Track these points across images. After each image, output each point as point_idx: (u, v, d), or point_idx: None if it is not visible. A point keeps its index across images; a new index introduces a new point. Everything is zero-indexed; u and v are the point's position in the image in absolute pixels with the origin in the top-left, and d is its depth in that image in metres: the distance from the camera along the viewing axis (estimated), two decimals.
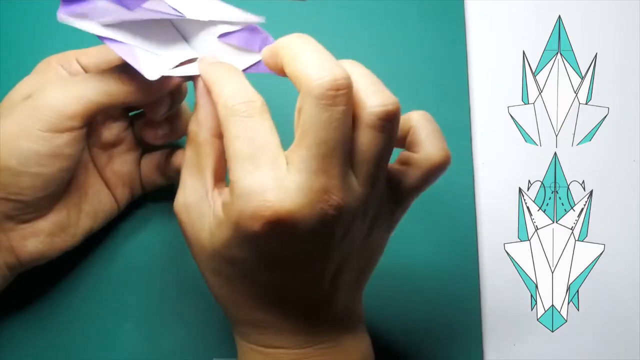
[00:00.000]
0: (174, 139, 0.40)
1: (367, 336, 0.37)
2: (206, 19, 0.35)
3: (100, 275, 0.43)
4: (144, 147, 0.42)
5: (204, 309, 0.43)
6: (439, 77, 0.47)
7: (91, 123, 0.36)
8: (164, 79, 0.35)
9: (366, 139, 0.31)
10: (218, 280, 0.34)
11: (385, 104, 0.31)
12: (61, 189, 0.37)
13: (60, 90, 0.34)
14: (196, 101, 0.35)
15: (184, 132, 0.39)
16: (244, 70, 0.35)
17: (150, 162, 0.41)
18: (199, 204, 0.33)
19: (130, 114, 0.41)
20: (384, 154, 0.32)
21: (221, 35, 0.35)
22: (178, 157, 0.41)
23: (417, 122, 0.35)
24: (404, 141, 0.35)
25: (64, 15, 0.33)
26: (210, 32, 0.36)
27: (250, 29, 0.36)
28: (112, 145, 0.40)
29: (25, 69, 0.38)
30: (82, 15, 0.33)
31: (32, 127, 0.34)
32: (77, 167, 0.38)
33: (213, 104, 0.33)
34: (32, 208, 0.36)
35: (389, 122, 0.31)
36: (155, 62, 0.35)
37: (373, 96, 0.31)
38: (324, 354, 0.34)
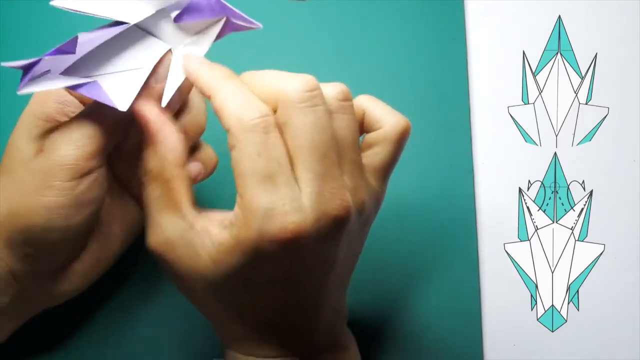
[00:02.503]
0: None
1: (350, 333, 0.37)
2: (153, 11, 0.33)
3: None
4: None
5: None
6: (439, 77, 0.47)
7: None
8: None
9: (338, 125, 0.31)
10: (218, 305, 0.33)
11: (337, 87, 0.32)
12: (90, 231, 0.36)
13: (71, 134, 0.33)
14: (148, 137, 0.33)
15: (201, 131, 0.37)
16: (215, 40, 0.34)
17: None
18: (185, 238, 0.32)
19: None
20: (355, 136, 0.32)
21: (177, 19, 0.33)
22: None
23: (368, 104, 0.35)
24: (361, 127, 0.35)
25: (23, 89, 0.31)
26: (166, 21, 0.34)
27: None
28: (133, 155, 0.38)
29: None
30: (39, 79, 0.31)
31: (52, 180, 0.32)
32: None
33: (174, 134, 0.32)
34: (65, 257, 0.36)
35: (348, 100, 0.32)
36: (124, 87, 0.33)
37: (325, 88, 0.32)
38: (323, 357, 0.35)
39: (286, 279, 0.32)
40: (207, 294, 0.33)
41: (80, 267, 0.37)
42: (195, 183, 0.37)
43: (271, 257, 0.30)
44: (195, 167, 0.37)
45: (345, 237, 0.32)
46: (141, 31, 0.34)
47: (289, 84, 0.30)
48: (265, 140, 0.30)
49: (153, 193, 0.33)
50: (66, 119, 0.34)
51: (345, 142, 0.32)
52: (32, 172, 0.33)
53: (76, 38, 0.31)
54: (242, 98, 0.31)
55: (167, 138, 0.32)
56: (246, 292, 0.32)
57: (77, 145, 0.33)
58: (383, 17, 0.47)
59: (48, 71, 0.31)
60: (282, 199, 0.29)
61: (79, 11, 0.31)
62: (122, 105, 0.32)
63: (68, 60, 0.32)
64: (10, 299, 0.36)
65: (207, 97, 0.32)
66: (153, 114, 0.33)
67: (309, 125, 0.30)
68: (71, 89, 0.32)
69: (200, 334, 0.43)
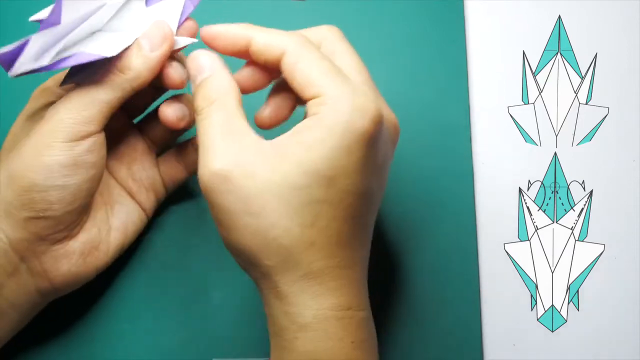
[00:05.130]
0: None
1: None
2: None
3: (100, 275, 0.43)
4: (158, 150, 0.42)
5: (204, 309, 0.43)
6: (439, 77, 0.47)
7: (106, 130, 0.37)
8: (157, 53, 0.36)
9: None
10: (303, 218, 0.31)
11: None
12: (87, 202, 0.37)
13: (71, 101, 0.35)
14: (204, 83, 0.34)
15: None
16: (181, 20, 0.36)
17: (168, 160, 0.42)
18: (256, 155, 0.32)
19: (135, 121, 0.42)
20: None
21: (148, 2, 0.36)
22: None
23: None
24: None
25: (13, 73, 0.33)
26: (135, 7, 0.36)
27: None
28: (127, 154, 0.41)
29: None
30: (28, 62, 0.33)
31: (53, 140, 0.34)
32: (100, 184, 0.38)
33: (227, 71, 0.35)
34: (63, 225, 0.36)
35: None
36: (110, 43, 0.35)
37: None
38: (371, 318, 0.34)
39: (371, 170, 0.33)
40: (289, 205, 0.31)
41: (78, 246, 0.38)
42: (180, 128, 0.38)
43: (364, 134, 0.31)
44: (180, 107, 0.38)
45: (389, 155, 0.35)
46: (106, 33, 0.36)
47: (327, 28, 0.36)
48: (316, 50, 0.34)
49: (215, 117, 0.33)
50: (54, 98, 0.37)
51: None
52: (32, 137, 0.35)
53: (59, 6, 0.33)
54: (278, 31, 0.35)
55: (225, 73, 0.35)
56: (331, 191, 0.31)
57: (76, 109, 0.35)
58: (383, 17, 0.47)
59: (31, 58, 0.33)
60: (361, 89, 0.33)
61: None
62: (110, 52, 0.34)
63: (54, 33, 0.34)
64: (8, 276, 0.36)
65: (242, 46, 0.35)
66: (203, 54, 0.35)
67: (352, 50, 0.36)
68: (62, 63, 0.34)
69: (200, 334, 0.43)
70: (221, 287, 0.43)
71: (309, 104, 0.32)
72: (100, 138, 0.36)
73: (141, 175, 0.41)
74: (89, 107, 0.35)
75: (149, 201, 0.42)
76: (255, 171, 0.31)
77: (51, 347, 0.42)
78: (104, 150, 0.36)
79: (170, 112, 0.38)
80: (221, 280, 0.43)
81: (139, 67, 0.35)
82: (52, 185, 0.35)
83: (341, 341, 0.32)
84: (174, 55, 0.37)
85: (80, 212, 0.37)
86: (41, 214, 0.35)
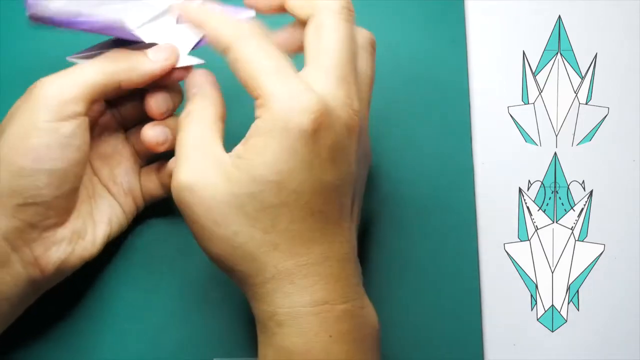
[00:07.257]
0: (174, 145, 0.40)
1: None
2: (165, 6, 0.37)
3: (100, 275, 0.43)
4: (142, 161, 0.42)
5: (204, 309, 0.43)
6: (439, 77, 0.47)
7: (93, 119, 0.37)
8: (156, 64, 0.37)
9: (359, 61, 0.35)
10: (262, 223, 0.33)
11: (370, 33, 0.37)
12: (75, 187, 0.37)
13: (57, 78, 0.36)
14: (192, 98, 0.37)
15: None
16: None
17: (149, 174, 0.42)
18: (217, 167, 0.33)
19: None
20: (371, 80, 0.36)
21: (178, 20, 0.38)
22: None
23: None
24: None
25: (33, 11, 0.34)
26: (166, 21, 0.38)
27: None
28: (111, 157, 0.41)
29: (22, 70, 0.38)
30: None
31: (38, 120, 0.34)
32: (83, 179, 0.38)
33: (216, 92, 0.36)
34: (53, 211, 0.36)
35: (374, 48, 0.37)
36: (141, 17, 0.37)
37: (361, 29, 0.36)
38: (357, 310, 0.34)
39: (322, 167, 0.32)
40: (243, 211, 0.32)
41: (66, 233, 0.38)
42: (159, 152, 0.39)
43: (304, 134, 0.31)
44: (163, 132, 0.39)
45: (356, 150, 0.34)
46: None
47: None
48: (261, 41, 0.33)
49: (193, 130, 0.35)
50: None
51: (361, 78, 0.35)
52: (17, 118, 0.35)
53: None
54: (227, 19, 0.35)
55: (209, 90, 0.36)
56: (282, 198, 0.32)
57: (61, 87, 0.35)
58: (383, 17, 0.47)
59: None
60: (299, 84, 0.32)
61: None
62: (148, 39, 0.37)
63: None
64: (1, 267, 0.36)
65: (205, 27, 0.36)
66: (199, 16, 0.36)
67: (343, 30, 0.33)
68: (87, 23, 0.35)
69: (200, 334, 0.43)
70: (221, 287, 0.43)
71: (255, 106, 0.33)
72: (85, 123, 0.36)
73: (122, 179, 0.41)
74: (74, 86, 0.35)
75: (128, 206, 0.42)
76: (215, 182, 0.33)
77: (51, 347, 0.42)
78: (87, 136, 0.37)
79: (151, 135, 0.39)
80: (221, 280, 0.43)
81: (135, 63, 0.37)
82: (40, 169, 0.35)
83: (317, 335, 0.33)
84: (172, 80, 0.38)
85: (68, 197, 0.37)
86: (30, 200, 0.35)
